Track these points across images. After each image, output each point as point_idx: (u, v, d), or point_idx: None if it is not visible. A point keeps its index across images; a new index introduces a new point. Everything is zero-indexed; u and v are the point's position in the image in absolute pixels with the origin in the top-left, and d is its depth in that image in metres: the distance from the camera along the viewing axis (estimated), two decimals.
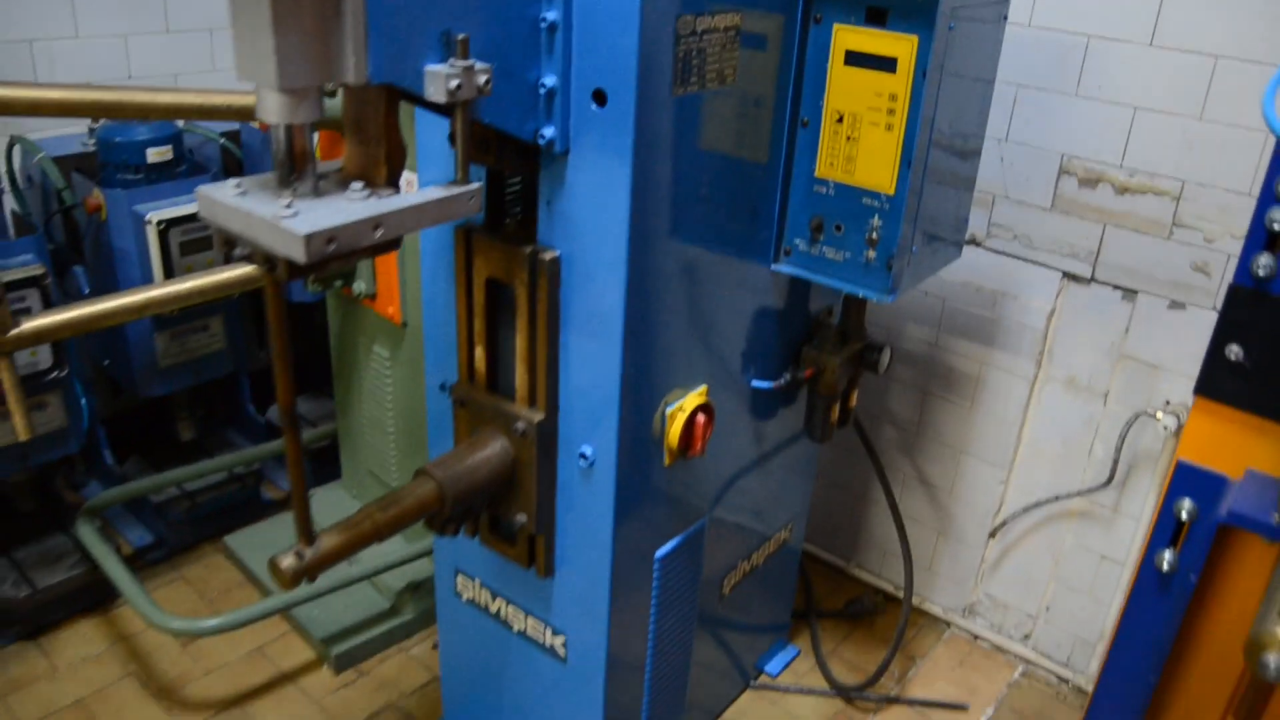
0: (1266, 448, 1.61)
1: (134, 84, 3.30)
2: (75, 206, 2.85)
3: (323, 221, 1.34)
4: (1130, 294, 2.55)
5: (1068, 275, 2.63)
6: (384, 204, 1.43)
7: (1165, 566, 1.69)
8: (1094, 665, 2.87)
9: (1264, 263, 1.54)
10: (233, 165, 3.19)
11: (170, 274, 2.73)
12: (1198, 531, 1.63)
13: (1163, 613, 1.72)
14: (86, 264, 2.89)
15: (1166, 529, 1.70)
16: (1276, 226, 1.51)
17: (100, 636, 2.86)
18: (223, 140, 3.15)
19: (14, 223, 2.70)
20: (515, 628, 2.22)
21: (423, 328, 2.11)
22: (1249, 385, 1.60)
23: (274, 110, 1.35)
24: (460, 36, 1.43)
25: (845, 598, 3.17)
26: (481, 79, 1.46)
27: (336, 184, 1.49)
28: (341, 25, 1.33)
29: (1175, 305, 2.48)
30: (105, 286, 2.80)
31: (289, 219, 1.33)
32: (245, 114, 2.38)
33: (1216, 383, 1.63)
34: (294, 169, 1.41)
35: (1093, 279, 2.60)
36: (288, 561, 1.62)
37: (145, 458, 3.34)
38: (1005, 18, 2.11)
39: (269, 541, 3.14)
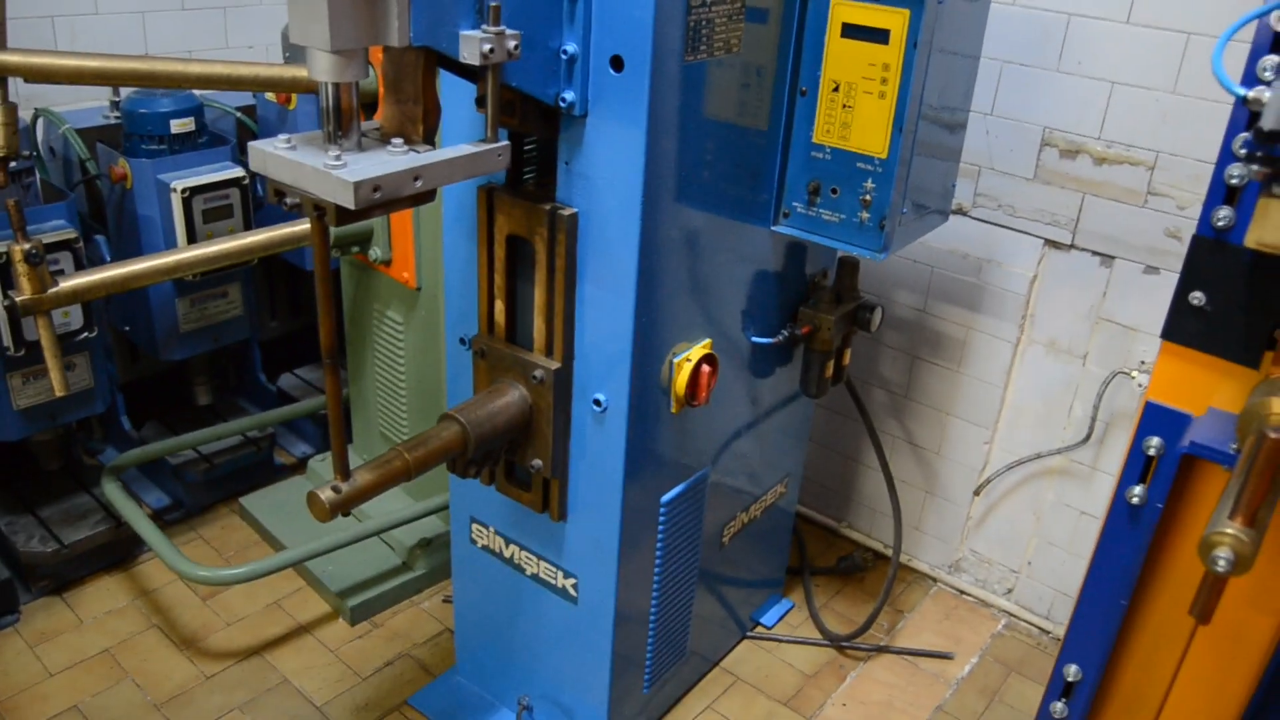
0: (1227, 387, 1.75)
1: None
2: (99, 176, 2.96)
3: (369, 171, 1.47)
4: (1108, 260, 2.69)
5: (1049, 242, 2.78)
6: (423, 158, 1.56)
7: (1135, 500, 1.84)
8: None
9: (1223, 215, 1.67)
10: (247, 138, 3.30)
11: (193, 240, 2.84)
12: (1164, 465, 1.78)
13: (1133, 542, 1.87)
14: (109, 232, 3.00)
15: (1137, 466, 1.84)
16: (1234, 181, 1.64)
17: (124, 591, 2.98)
18: (239, 114, 3.26)
19: (44, 190, 2.81)
20: (528, 571, 2.35)
21: (443, 285, 2.23)
22: (1210, 329, 1.74)
23: (324, 69, 1.47)
24: (493, 4, 1.56)
25: (837, 555, 3.32)
26: (511, 44, 1.59)
27: (377, 140, 1.62)
28: None
29: (1150, 270, 2.63)
30: (128, 253, 2.91)
31: (339, 169, 1.46)
32: (268, 85, 2.51)
33: (1181, 327, 1.77)
34: (340, 125, 1.54)
35: (1073, 246, 2.74)
36: (327, 494, 1.75)
37: (161, 422, 3.46)
38: None
39: (283, 503, 3.26)
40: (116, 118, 3.08)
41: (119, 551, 3.03)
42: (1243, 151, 1.49)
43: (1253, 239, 1.34)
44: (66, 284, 2.31)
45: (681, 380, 2.09)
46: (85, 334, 2.70)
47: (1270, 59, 1.49)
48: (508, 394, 2.06)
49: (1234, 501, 1.32)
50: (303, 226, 2.68)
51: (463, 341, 2.21)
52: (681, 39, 1.77)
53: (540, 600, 2.36)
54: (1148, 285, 2.65)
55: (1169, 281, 2.60)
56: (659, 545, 2.28)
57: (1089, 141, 2.63)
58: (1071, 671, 2.01)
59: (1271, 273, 1.64)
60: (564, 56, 1.77)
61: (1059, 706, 2.05)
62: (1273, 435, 1.28)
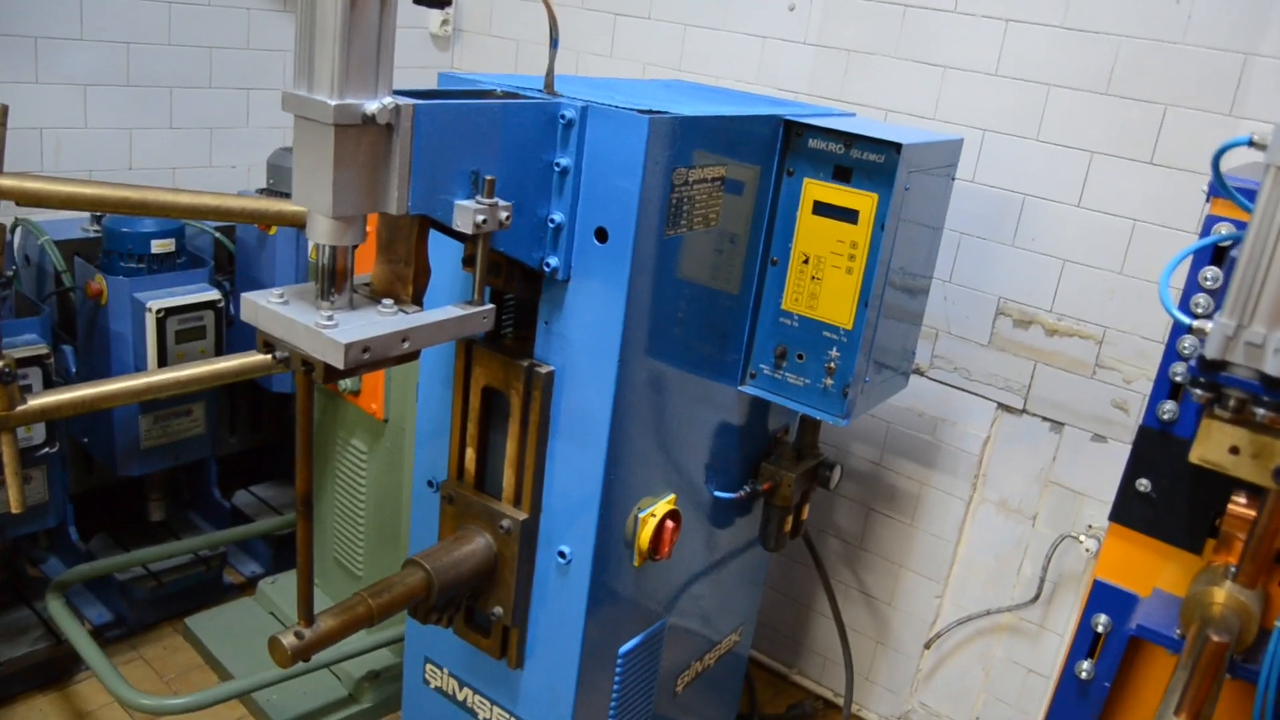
0: (1170, 569, 1.83)
1: (156, 185, 3.45)
2: (74, 289, 2.98)
3: (359, 332, 1.52)
4: (1058, 426, 2.80)
5: (1002, 406, 2.88)
6: (411, 319, 1.61)
7: (1084, 675, 1.89)
8: None
9: (1168, 409, 1.78)
10: (224, 258, 3.35)
11: (164, 360, 2.86)
12: (1112, 643, 1.84)
13: (1081, 717, 1.91)
14: (77, 344, 3.01)
15: (1085, 641, 1.90)
16: (1178, 379, 1.75)
17: (57, 713, 2.88)
18: (217, 234, 3.32)
19: (17, 302, 2.82)
20: (481, 716, 2.33)
21: (410, 419, 2.26)
22: (1155, 514, 1.82)
23: (324, 233, 1.53)
24: (489, 178, 1.64)
25: (786, 703, 3.31)
26: (503, 215, 1.67)
27: (367, 298, 1.67)
28: (389, 165, 1.53)
29: (1098, 438, 2.74)
30: (95, 367, 2.92)
31: (330, 329, 1.51)
32: (255, 217, 2.57)
33: (1128, 511, 1.85)
34: (334, 284, 1.59)
35: (1024, 410, 2.85)
36: (289, 640, 1.74)
37: (109, 535, 3.40)
38: (953, 177, 2.38)
39: (230, 625, 3.20)
40: (96, 232, 3.12)
41: (56, 669, 2.95)
42: (1187, 375, 1.59)
43: (1196, 456, 1.42)
44: (35, 402, 2.30)
45: (646, 535, 2.12)
46: (46, 449, 2.68)
47: (1212, 272, 1.61)
48: (473, 541, 2.07)
49: (1179, 698, 1.37)
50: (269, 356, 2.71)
51: (431, 485, 2.23)
52: (663, 214, 1.86)
53: None
54: (1095, 452, 2.75)
55: (1115, 450, 2.70)
56: (614, 696, 2.28)
57: (1041, 313, 2.76)
58: None
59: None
60: (551, 225, 1.85)
61: None
62: (1215, 639, 1.34)
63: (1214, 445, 1.39)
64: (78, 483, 3.29)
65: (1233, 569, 1.66)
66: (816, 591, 3.34)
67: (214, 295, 2.96)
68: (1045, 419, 2.82)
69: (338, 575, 3.18)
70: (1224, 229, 1.65)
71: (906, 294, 2.36)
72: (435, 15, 3.75)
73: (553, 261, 1.88)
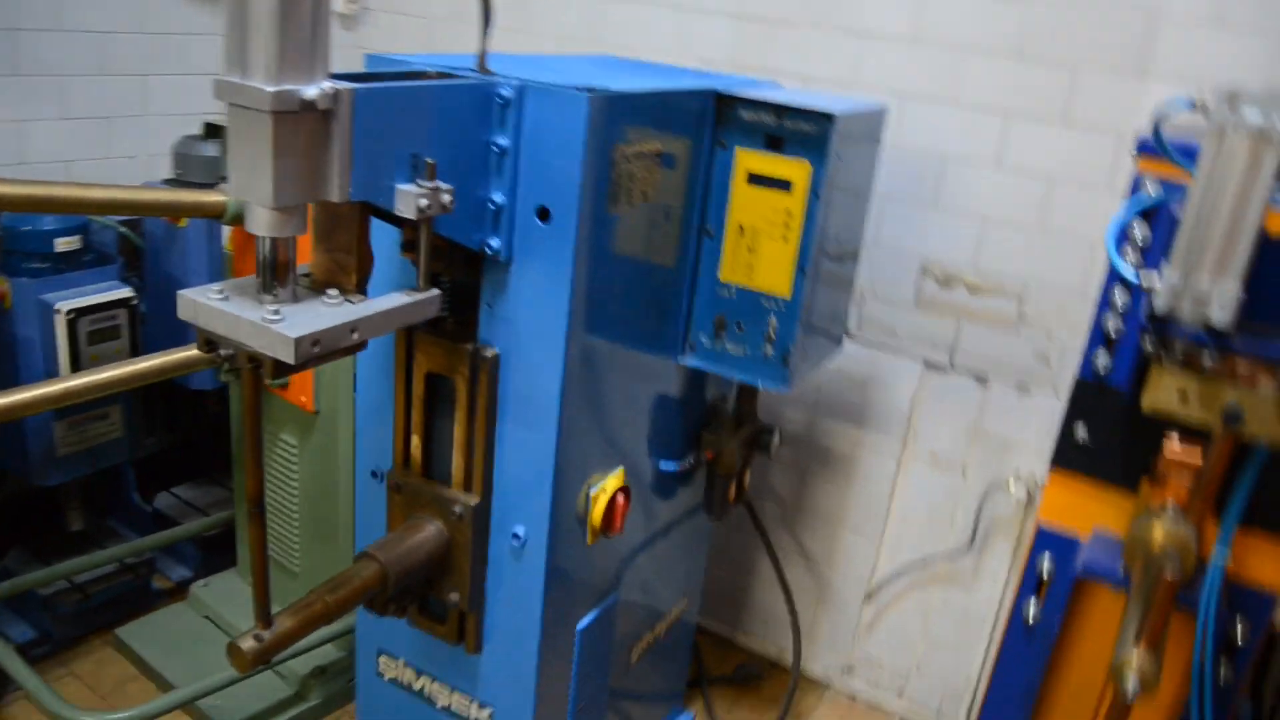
0: (1109, 510, 1.91)
1: (58, 180, 3.29)
2: None
3: (308, 326, 1.48)
4: (983, 380, 2.89)
5: (929, 364, 2.96)
6: (359, 309, 1.58)
7: (1031, 617, 1.96)
8: (962, 713, 3.14)
9: (1101, 360, 1.85)
10: (131, 254, 3.22)
11: (77, 363, 2.74)
12: (1057, 585, 1.91)
13: (1030, 658, 1.99)
14: None
15: (1031, 584, 1.98)
16: (1111, 331, 1.82)
17: None
18: (122, 229, 3.18)
19: None
20: (440, 704, 2.31)
21: (341, 410, 2.22)
22: (1093, 459, 1.90)
23: (265, 225, 1.49)
24: (429, 161, 1.61)
25: (734, 663, 3.36)
26: (446, 198, 1.64)
27: (309, 289, 1.63)
28: (329, 151, 1.48)
29: (1022, 390, 2.83)
30: (5, 376, 2.78)
31: (277, 323, 1.47)
32: (176, 210, 2.48)
33: (1067, 457, 1.93)
34: (276, 277, 1.55)
35: (951, 367, 2.93)
36: (248, 644, 1.71)
37: (26, 548, 3.26)
38: (879, 141, 2.42)
39: (164, 632, 3.11)
40: None
41: None
42: (1122, 309, 1.66)
43: (1147, 404, 1.49)
44: None
45: (598, 512, 2.12)
46: None
47: (1141, 229, 1.67)
48: (425, 529, 2.05)
49: (1138, 626, 1.43)
50: (194, 352, 2.62)
51: (375, 475, 2.19)
52: (603, 191, 1.85)
53: None
54: (1021, 404, 2.84)
55: (1039, 401, 2.80)
56: (574, 672, 2.28)
57: (964, 272, 2.84)
58: None
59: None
60: (491, 206, 1.83)
61: None
62: (1169, 578, 1.40)
63: (1164, 394, 1.46)
64: None
65: (1170, 507, 1.74)
66: (756, 555, 3.39)
67: (126, 293, 2.84)
68: (971, 374, 2.90)
69: (274, 573, 3.11)
70: (1153, 187, 1.71)
71: (839, 261, 2.40)
72: None
73: (494, 243, 1.85)
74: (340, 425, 2.72)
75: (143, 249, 3.21)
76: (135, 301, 2.85)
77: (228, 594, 3.19)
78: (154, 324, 3.05)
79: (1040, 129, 2.66)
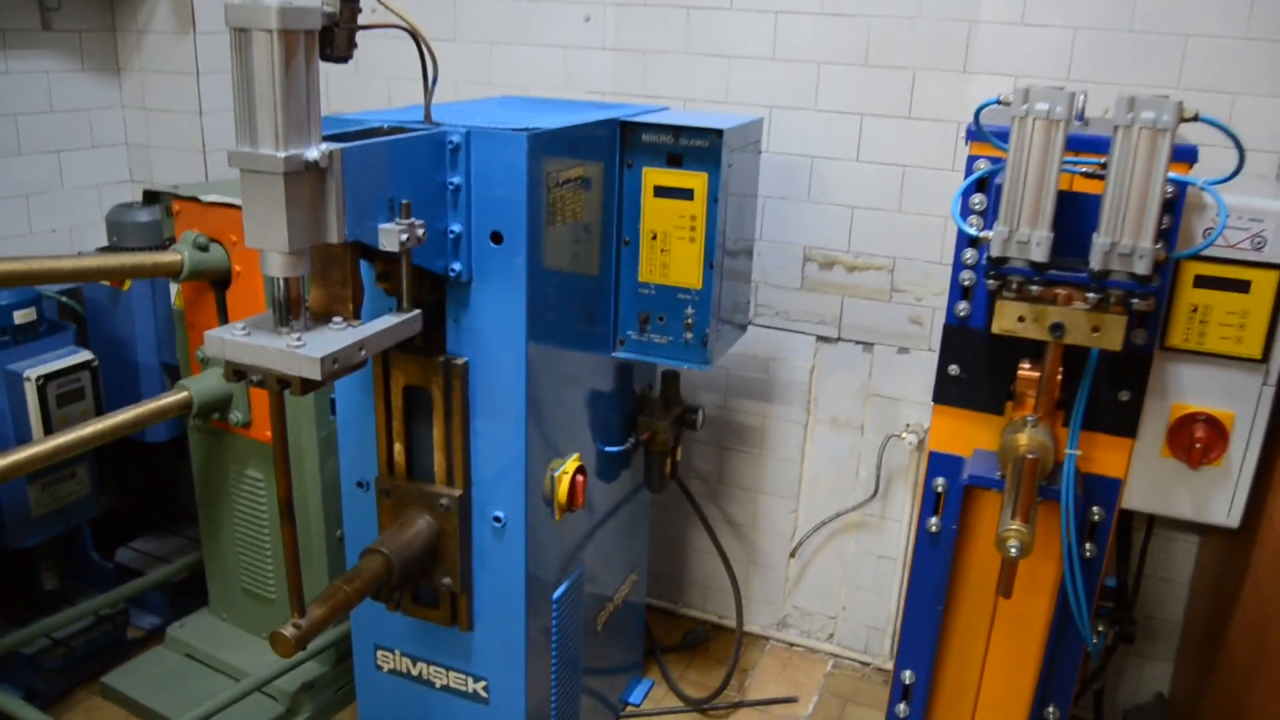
0: (983, 432, 2.33)
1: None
2: None
3: (327, 347, 1.78)
4: (868, 346, 3.32)
5: (820, 338, 3.38)
6: (361, 331, 1.88)
7: (933, 528, 2.37)
8: (886, 646, 3.56)
9: (962, 308, 2.27)
10: (69, 320, 3.38)
11: (49, 426, 2.92)
12: (951, 498, 2.33)
13: (937, 564, 2.40)
14: None
15: (930, 502, 2.39)
16: (965, 283, 2.25)
17: None
18: (63, 299, 3.36)
19: None
20: (438, 684, 2.59)
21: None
22: (965, 390, 2.32)
23: (280, 267, 1.78)
24: (404, 202, 1.93)
25: (680, 632, 3.71)
26: (420, 231, 1.95)
27: (315, 320, 1.92)
28: (327, 201, 1.79)
29: (902, 350, 3.27)
30: None
31: (301, 348, 1.76)
32: (138, 272, 2.71)
33: (945, 392, 2.35)
34: (291, 311, 1.84)
35: (839, 338, 3.35)
36: (289, 631, 1.97)
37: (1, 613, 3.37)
38: (759, 150, 2.83)
39: (147, 674, 3.26)
40: None
41: None
42: (971, 264, 2.08)
43: (996, 328, 1.90)
44: None
45: (563, 490, 2.44)
46: None
47: (978, 197, 2.10)
48: (416, 524, 2.34)
49: (1012, 506, 1.84)
50: (163, 402, 2.84)
51: (361, 485, 2.47)
52: (543, 214, 2.19)
53: (452, 709, 2.59)
54: (902, 363, 3.28)
55: (917, 358, 3.24)
56: (554, 639, 2.60)
57: (841, 254, 3.27)
58: (907, 676, 2.50)
59: (1002, 346, 2.24)
60: (451, 235, 2.15)
61: (902, 707, 2.52)
62: (1028, 456, 1.82)
63: (1007, 318, 1.87)
64: None
65: (1029, 419, 2.17)
66: (689, 532, 3.75)
67: (87, 356, 3.03)
68: (857, 342, 3.33)
69: (249, 605, 3.31)
70: (982, 165, 2.14)
71: (737, 256, 2.78)
72: None
73: (456, 267, 2.17)
74: (305, 454, 2.97)
75: (84, 315, 3.39)
76: (96, 364, 3.04)
77: (204, 631, 3.37)
78: (109, 383, 3.23)
79: (890, 124, 3.11)
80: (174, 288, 3.12)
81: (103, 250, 3.35)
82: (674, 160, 2.51)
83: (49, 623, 3.17)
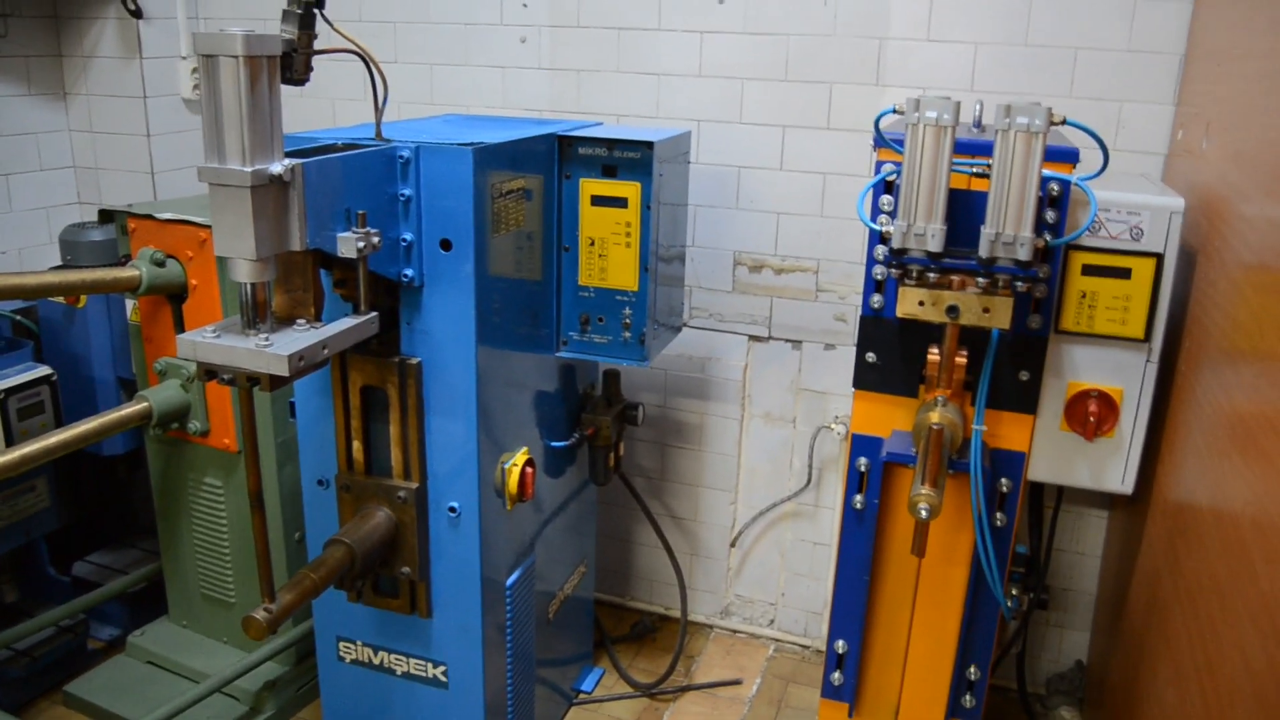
0: (900, 414, 2.54)
1: None
2: None
3: (293, 346, 1.93)
4: (797, 344, 3.53)
5: (752, 337, 3.58)
6: (323, 332, 2.03)
7: (858, 505, 2.58)
8: (824, 629, 3.76)
9: (876, 300, 2.48)
10: (23, 337, 3.46)
11: (10, 439, 3.00)
12: (873, 476, 2.53)
13: (862, 539, 2.60)
14: None
15: (854, 481, 2.59)
16: (878, 277, 2.46)
17: None
18: (17, 316, 3.44)
19: None
20: (399, 671, 2.73)
21: (297, 439, 2.62)
22: (883, 377, 2.53)
23: (247, 273, 1.92)
24: (360, 212, 2.08)
25: (628, 624, 3.88)
26: (375, 239, 2.11)
27: (280, 323, 2.06)
28: (290, 212, 1.94)
29: (829, 347, 3.49)
30: None
31: (269, 347, 1.91)
32: (98, 287, 2.81)
33: (864, 379, 2.56)
34: (259, 314, 1.98)
35: (770, 337, 3.56)
36: (261, 614, 2.10)
37: None
38: (689, 161, 3.03)
39: (110, 681, 3.34)
40: None
41: None
42: (882, 259, 2.29)
43: (901, 312, 2.11)
44: None
45: (513, 481, 2.60)
46: None
47: (886, 198, 2.31)
48: (376, 516, 2.48)
49: (922, 474, 2.05)
50: (124, 412, 2.94)
51: (322, 483, 2.60)
52: (487, 223, 2.36)
53: (413, 695, 2.73)
54: (829, 358, 3.50)
55: (843, 354, 3.46)
56: (508, 624, 2.75)
57: (768, 258, 3.47)
58: (840, 646, 2.69)
59: (913, 334, 2.45)
60: (403, 244, 2.30)
61: (836, 675, 2.71)
62: (934, 427, 2.03)
63: (909, 303, 2.08)
64: None
65: (940, 399, 2.38)
66: (633, 527, 3.92)
67: (47, 371, 3.12)
68: (787, 340, 3.54)
69: (209, 610, 3.41)
70: (889, 169, 2.36)
71: (670, 261, 2.97)
72: (187, 81, 3.99)
73: (409, 273, 2.33)
74: (263, 460, 3.08)
75: (38, 333, 3.47)
76: (55, 378, 3.13)
77: (165, 638, 3.46)
78: (64, 399, 3.32)
79: (811, 135, 3.33)
80: (130, 303, 3.23)
81: (56, 269, 3.44)
82: (609, 171, 2.70)
83: (9, 634, 3.24)
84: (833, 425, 3.50)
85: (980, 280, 2.02)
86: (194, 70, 4.02)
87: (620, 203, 2.71)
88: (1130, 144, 3.06)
